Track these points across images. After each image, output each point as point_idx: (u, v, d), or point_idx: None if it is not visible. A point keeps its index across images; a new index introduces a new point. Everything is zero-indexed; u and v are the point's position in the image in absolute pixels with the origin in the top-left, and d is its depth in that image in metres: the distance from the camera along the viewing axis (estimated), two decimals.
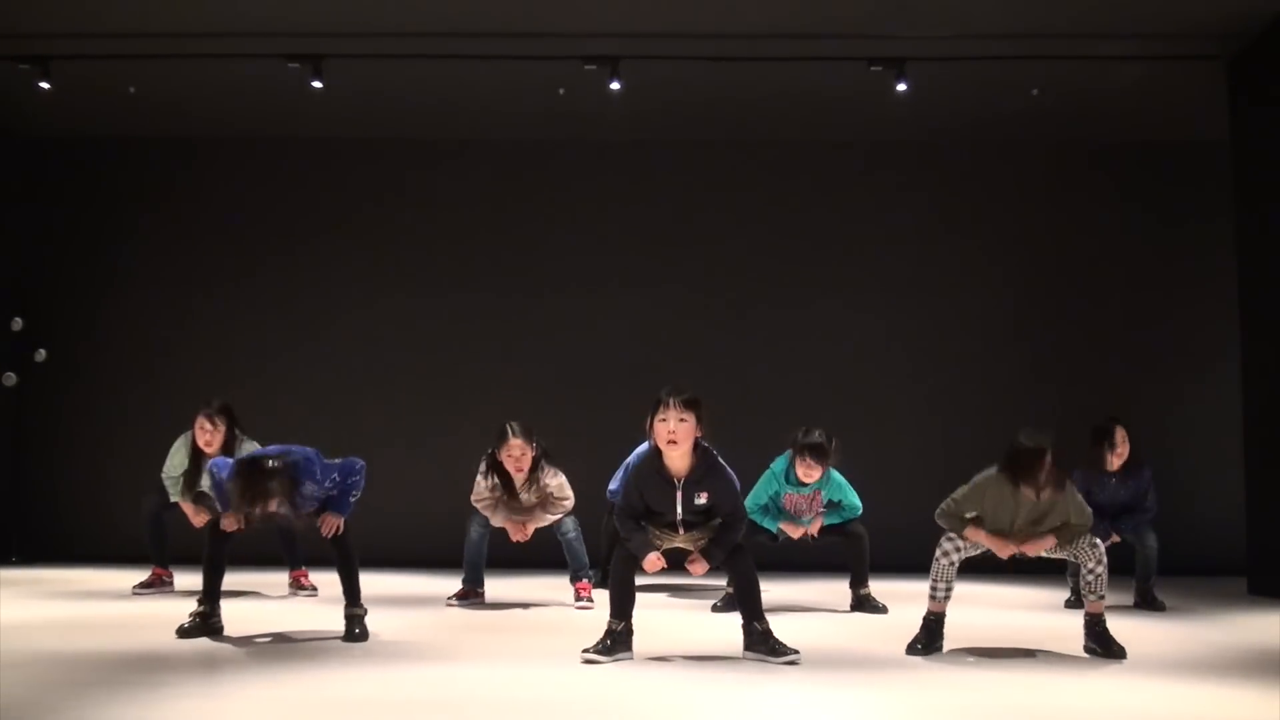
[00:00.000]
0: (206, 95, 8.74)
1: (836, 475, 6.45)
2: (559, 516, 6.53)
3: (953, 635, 5.17)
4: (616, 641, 4.53)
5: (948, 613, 4.91)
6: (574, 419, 8.41)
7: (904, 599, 6.44)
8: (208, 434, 6.69)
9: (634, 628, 4.60)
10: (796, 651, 4.54)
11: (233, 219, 9.44)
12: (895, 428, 9.00)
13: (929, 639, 4.87)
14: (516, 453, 6.43)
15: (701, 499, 4.56)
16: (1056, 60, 7.92)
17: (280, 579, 7.04)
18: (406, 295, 9.33)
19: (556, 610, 6.33)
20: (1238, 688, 4.22)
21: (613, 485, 6.98)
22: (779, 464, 6.39)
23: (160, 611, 5.95)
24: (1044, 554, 4.95)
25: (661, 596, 6.92)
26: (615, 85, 7.95)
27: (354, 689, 4.06)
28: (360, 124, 9.22)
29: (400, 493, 8.86)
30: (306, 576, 6.93)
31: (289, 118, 9.02)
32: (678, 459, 4.52)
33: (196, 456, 6.73)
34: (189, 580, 6.86)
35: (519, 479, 6.50)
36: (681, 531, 4.65)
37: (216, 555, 5.17)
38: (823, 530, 6.45)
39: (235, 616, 5.55)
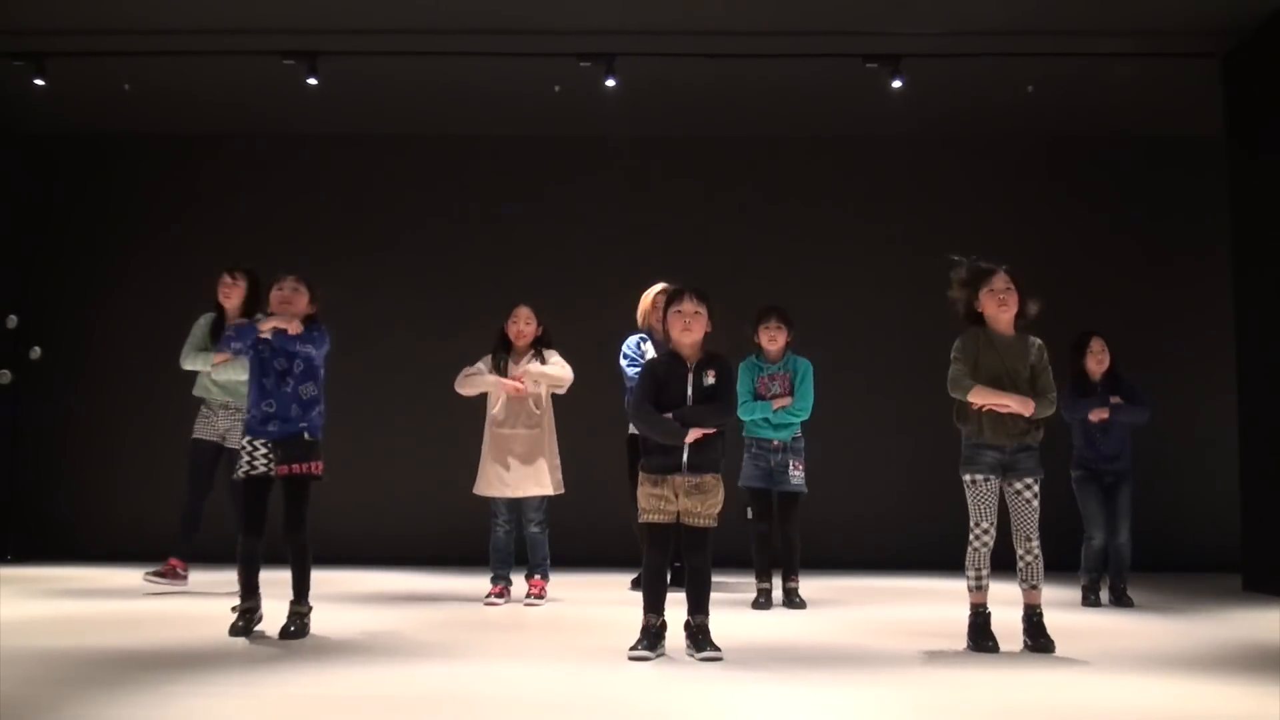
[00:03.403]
0: (201, 92, 8.74)
1: (805, 362, 6.62)
2: (550, 373, 6.49)
3: (952, 632, 5.19)
4: (658, 637, 4.67)
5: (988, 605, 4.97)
6: (574, 419, 8.40)
7: (906, 596, 6.44)
8: (227, 288, 6.83)
9: (665, 624, 4.71)
10: (719, 651, 4.62)
11: (226, 215, 9.42)
12: (891, 425, 9.01)
13: (979, 637, 4.93)
14: (522, 318, 6.54)
15: (709, 378, 4.78)
16: (1051, 57, 7.94)
17: (282, 576, 7.02)
18: (402, 291, 9.33)
19: (563, 607, 6.33)
20: (1233, 684, 4.23)
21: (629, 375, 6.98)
22: (749, 356, 6.61)
23: (160, 610, 5.95)
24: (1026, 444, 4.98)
25: (628, 595, 6.90)
26: (611, 82, 7.95)
27: (354, 688, 4.06)
28: (355, 121, 9.22)
29: (399, 492, 8.88)
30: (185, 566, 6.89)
31: (284, 114, 9.02)
32: (689, 347, 4.80)
33: (218, 329, 6.76)
34: (201, 580, 6.87)
35: (520, 345, 6.54)
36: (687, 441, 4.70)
37: (252, 545, 5.13)
38: (781, 494, 6.54)
39: (231, 617, 5.54)
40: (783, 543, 6.55)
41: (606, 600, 6.54)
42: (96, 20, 7.58)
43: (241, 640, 5.01)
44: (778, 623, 5.86)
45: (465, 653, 4.78)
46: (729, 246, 9.32)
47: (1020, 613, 5.01)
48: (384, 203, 9.48)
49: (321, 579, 6.80)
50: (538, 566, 6.56)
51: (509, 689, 4.06)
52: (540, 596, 6.49)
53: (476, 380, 6.53)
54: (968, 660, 4.73)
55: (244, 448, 5.15)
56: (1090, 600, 6.72)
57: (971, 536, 4.98)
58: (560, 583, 6.87)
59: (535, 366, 6.50)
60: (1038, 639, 4.94)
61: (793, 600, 6.47)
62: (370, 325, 9.27)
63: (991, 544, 4.95)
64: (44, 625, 5.43)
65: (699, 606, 4.71)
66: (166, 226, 9.43)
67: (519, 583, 6.62)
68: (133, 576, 6.96)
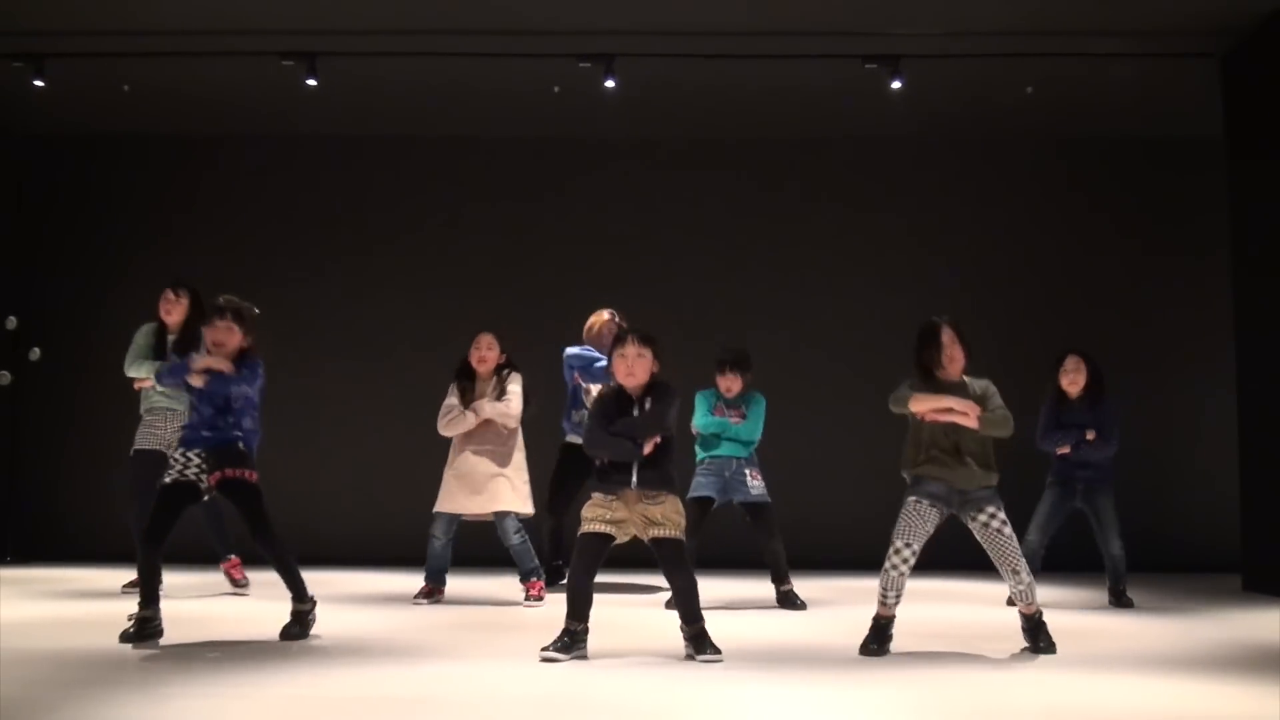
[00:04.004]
0: (200, 93, 8.73)
1: (760, 399, 6.66)
2: (495, 414, 6.53)
3: (947, 633, 5.20)
4: (575, 640, 4.66)
5: (897, 615, 4.95)
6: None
7: (904, 597, 6.43)
8: (169, 304, 6.77)
9: (589, 628, 4.71)
10: (719, 653, 4.62)
11: (226, 215, 9.43)
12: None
13: (879, 639, 4.89)
14: (484, 345, 6.61)
15: (648, 405, 4.82)
16: (1051, 57, 7.93)
17: (278, 578, 7.01)
18: (399, 292, 9.33)
19: (561, 609, 6.32)
20: (1234, 685, 4.23)
21: (567, 421, 7.15)
22: (708, 389, 6.70)
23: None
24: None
25: (625, 596, 6.91)
26: (610, 83, 7.94)
27: (352, 688, 4.06)
28: (354, 121, 9.22)
29: (397, 493, 8.87)
30: (239, 568, 6.90)
31: (283, 115, 9.02)
32: (634, 388, 4.83)
33: (159, 343, 6.75)
34: (200, 581, 6.87)
35: (483, 372, 6.60)
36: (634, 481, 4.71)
37: (152, 554, 5.01)
38: (746, 506, 6.52)
39: (231, 616, 5.55)
40: (768, 558, 6.52)
41: (604, 603, 6.53)
42: (96, 21, 7.57)
43: (240, 641, 5.00)
44: (778, 623, 5.86)
45: (464, 653, 4.78)
46: (728, 247, 9.32)
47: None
48: (383, 203, 9.48)
49: (319, 580, 6.80)
50: (530, 573, 6.61)
51: (508, 689, 4.06)
52: (540, 597, 6.52)
53: (459, 421, 6.58)
54: (967, 661, 4.73)
55: (176, 459, 5.12)
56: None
57: (891, 551, 4.84)
58: (560, 586, 6.86)
59: (488, 408, 6.55)
60: (1037, 642, 4.92)
61: (792, 602, 6.46)
62: (368, 326, 9.27)
63: (909, 569, 4.83)
64: (44, 625, 5.43)
65: (693, 616, 4.70)
66: (166, 226, 9.43)
67: (517, 584, 6.64)
68: (131, 578, 6.95)
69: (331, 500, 9.09)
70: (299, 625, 5.09)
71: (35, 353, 8.59)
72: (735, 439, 6.54)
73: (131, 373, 6.79)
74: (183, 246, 9.35)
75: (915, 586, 7.35)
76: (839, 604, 6.65)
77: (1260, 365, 7.59)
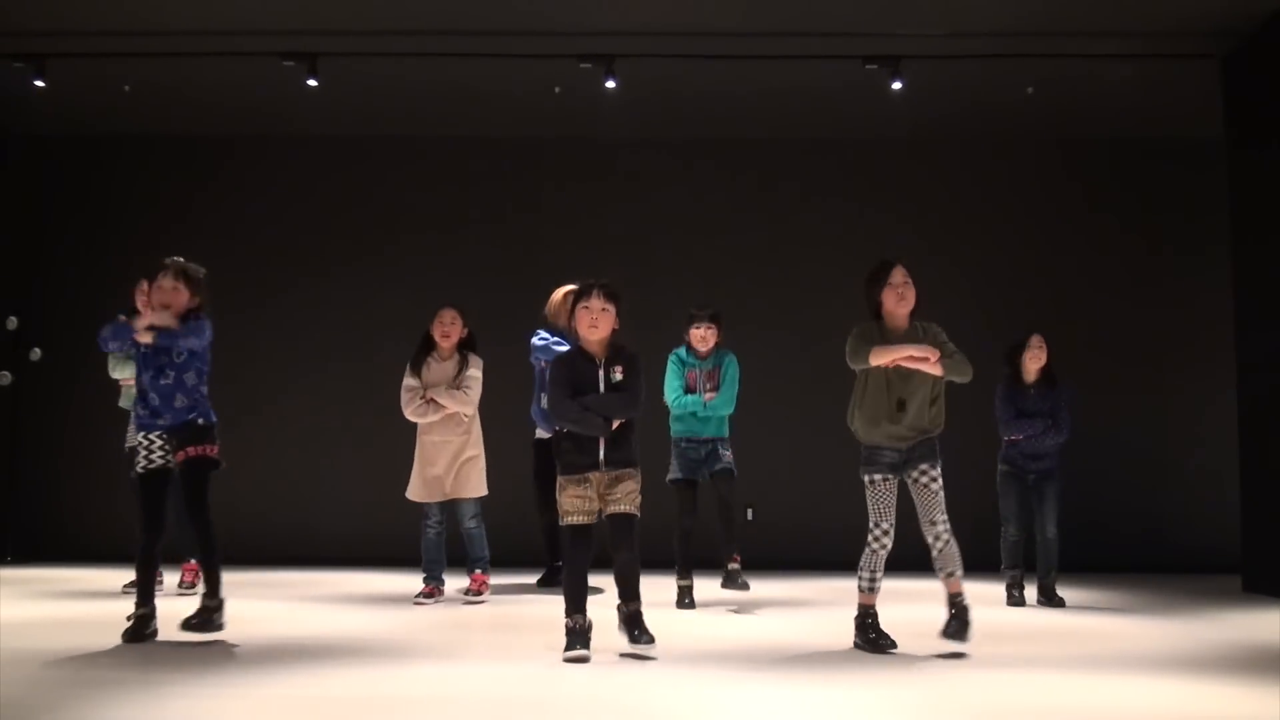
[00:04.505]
0: (201, 94, 8.73)
1: (733, 360, 6.62)
2: (452, 406, 6.57)
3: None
4: (587, 636, 4.65)
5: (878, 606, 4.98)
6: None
7: (903, 597, 6.43)
8: (145, 295, 6.52)
9: (592, 622, 4.71)
10: (652, 639, 4.63)
11: (227, 215, 9.42)
12: None
13: (869, 634, 4.92)
14: (447, 320, 6.67)
15: (617, 374, 4.80)
16: (1051, 58, 7.93)
17: (279, 578, 7.02)
18: (400, 292, 9.31)
19: (555, 608, 6.33)
20: (1234, 685, 4.23)
21: (535, 407, 7.18)
22: (678, 350, 6.65)
23: (159, 611, 5.93)
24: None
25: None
26: (610, 83, 7.95)
27: (349, 688, 4.06)
28: (355, 122, 9.22)
29: (394, 493, 8.87)
30: (197, 573, 6.86)
31: (284, 116, 9.02)
32: (596, 344, 4.83)
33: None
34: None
35: (445, 347, 6.66)
36: (602, 450, 4.72)
37: (151, 544, 5.04)
38: (714, 473, 6.48)
39: (231, 616, 5.54)
40: (720, 513, 6.46)
41: (600, 601, 6.53)
42: (97, 21, 7.57)
43: (240, 641, 5.00)
44: (774, 623, 5.86)
45: (460, 653, 4.78)
46: (728, 247, 9.32)
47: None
48: (384, 203, 9.48)
49: (315, 580, 6.82)
50: (477, 561, 6.65)
51: (502, 689, 4.06)
52: (480, 592, 6.59)
53: (423, 411, 6.66)
54: (965, 661, 4.73)
55: (140, 444, 5.12)
56: (1014, 598, 6.65)
57: (870, 538, 4.94)
58: (528, 582, 6.88)
59: (447, 400, 6.60)
60: (957, 626, 4.87)
61: (735, 581, 6.35)
62: (369, 326, 9.26)
63: (889, 545, 4.92)
64: (44, 625, 5.43)
65: (631, 594, 4.74)
66: (166, 227, 9.41)
67: (457, 581, 6.70)
68: (131, 578, 6.94)
69: (330, 500, 9.09)
70: (200, 619, 5.00)
71: (36, 353, 8.60)
72: (711, 415, 6.51)
73: (116, 374, 6.77)
74: (183, 246, 9.22)
75: (915, 587, 7.37)
76: (837, 605, 6.61)
77: (1260, 366, 7.58)
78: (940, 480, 4.92)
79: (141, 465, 5.10)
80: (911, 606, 6.58)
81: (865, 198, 9.41)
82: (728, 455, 6.53)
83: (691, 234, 9.33)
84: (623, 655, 4.64)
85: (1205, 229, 8.96)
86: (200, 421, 5.13)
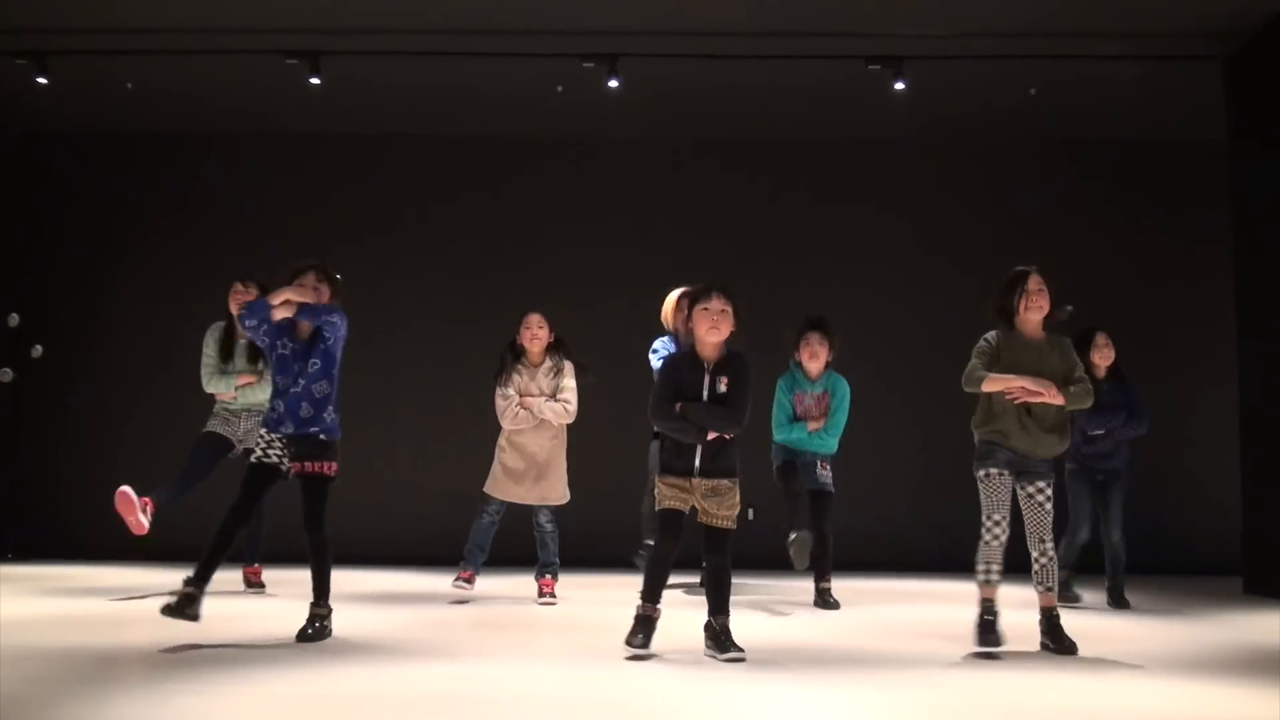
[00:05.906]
0: (204, 91, 8.73)
1: (843, 384, 6.59)
2: (550, 415, 6.52)
3: (951, 634, 5.19)
4: (650, 630, 4.66)
5: (997, 600, 4.95)
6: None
7: (920, 598, 6.43)
8: (239, 295, 6.77)
9: (661, 612, 4.70)
10: (742, 651, 4.57)
11: (229, 214, 9.42)
12: (892, 428, 9.00)
13: (985, 633, 4.90)
14: (535, 324, 6.59)
15: (722, 385, 4.71)
16: (1054, 59, 7.93)
17: (279, 577, 7.02)
18: (404, 292, 9.32)
19: (569, 608, 6.33)
20: (1234, 687, 4.23)
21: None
22: (786, 374, 6.60)
23: (157, 609, 5.94)
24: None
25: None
26: (613, 83, 7.94)
27: (354, 688, 4.05)
28: (357, 120, 9.22)
29: (402, 491, 8.88)
30: (259, 574, 6.92)
31: (286, 114, 9.02)
32: (711, 347, 4.73)
33: (229, 339, 6.82)
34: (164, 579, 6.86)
35: (534, 350, 6.58)
36: (698, 460, 4.68)
37: (231, 525, 5.00)
38: (810, 491, 6.47)
39: (231, 615, 5.55)
40: (817, 543, 6.45)
41: (613, 601, 6.53)
42: (99, 19, 7.57)
43: (241, 639, 4.99)
44: (793, 624, 5.85)
45: (467, 653, 4.77)
46: (731, 248, 9.31)
47: (1036, 616, 5.00)
48: (386, 203, 9.47)
49: (300, 578, 6.79)
50: (548, 566, 6.61)
51: (513, 689, 4.05)
52: (553, 595, 6.55)
53: (521, 418, 6.56)
54: (975, 662, 4.72)
55: (261, 437, 5.18)
56: (1068, 596, 6.66)
57: (984, 530, 4.95)
58: (566, 583, 6.87)
59: (548, 411, 6.54)
60: (1059, 641, 4.90)
61: (826, 600, 6.45)
62: (372, 326, 9.23)
63: (1005, 538, 4.93)
64: (44, 625, 5.43)
65: (720, 607, 4.66)
66: (166, 226, 9.43)
67: (529, 583, 6.66)
68: (132, 576, 6.97)
69: (331, 500, 9.07)
70: (314, 628, 5.04)
71: (37, 350, 8.60)
72: (818, 451, 6.52)
73: (210, 388, 6.79)
74: (184, 245, 9.35)
75: (915, 587, 7.37)
76: (854, 606, 6.60)
77: (1261, 367, 7.58)
78: (1051, 500, 4.99)
79: (256, 455, 5.13)
80: (913, 607, 6.58)
81: (868, 198, 9.40)
82: (825, 472, 6.53)
83: (693, 233, 9.32)
84: (638, 655, 4.62)
85: (1207, 230, 8.95)
86: (322, 437, 5.16)
